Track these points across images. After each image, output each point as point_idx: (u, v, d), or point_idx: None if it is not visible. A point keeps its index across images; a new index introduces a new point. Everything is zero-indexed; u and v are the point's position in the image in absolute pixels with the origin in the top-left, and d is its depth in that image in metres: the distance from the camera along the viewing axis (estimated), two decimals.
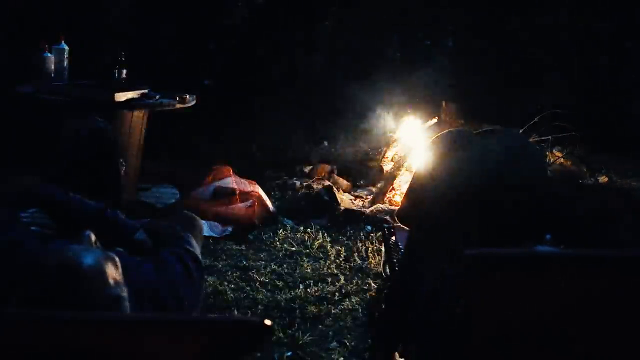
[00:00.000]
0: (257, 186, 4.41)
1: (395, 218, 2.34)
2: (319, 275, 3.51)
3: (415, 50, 5.50)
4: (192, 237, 2.05)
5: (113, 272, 1.34)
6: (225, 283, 3.37)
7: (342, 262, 3.71)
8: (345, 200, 4.57)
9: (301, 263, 3.68)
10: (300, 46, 5.41)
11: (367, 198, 4.77)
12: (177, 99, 4.12)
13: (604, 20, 5.48)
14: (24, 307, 1.25)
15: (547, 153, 4.84)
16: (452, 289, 1.67)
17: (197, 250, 2.00)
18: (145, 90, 4.09)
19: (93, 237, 1.42)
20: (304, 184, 4.79)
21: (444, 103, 5.07)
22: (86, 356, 1.09)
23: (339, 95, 5.23)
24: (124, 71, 4.25)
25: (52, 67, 4.10)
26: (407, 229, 2.16)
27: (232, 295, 3.25)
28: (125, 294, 1.34)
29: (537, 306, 1.40)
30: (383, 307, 2.03)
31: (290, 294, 3.27)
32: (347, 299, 3.24)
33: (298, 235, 4.05)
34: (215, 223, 4.08)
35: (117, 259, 1.38)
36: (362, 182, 5.07)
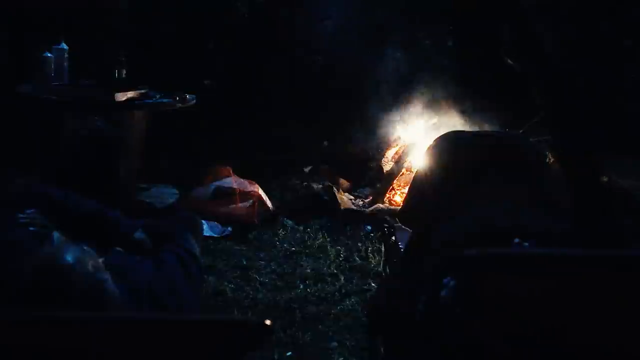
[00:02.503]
0: (257, 186, 4.41)
1: (397, 218, 2.34)
2: (319, 275, 3.51)
3: (415, 50, 5.50)
4: (192, 237, 2.05)
5: (91, 260, 1.37)
6: (225, 283, 3.36)
7: (342, 262, 3.70)
8: (345, 200, 4.57)
9: (301, 263, 3.67)
10: (300, 46, 5.41)
11: (367, 198, 4.77)
12: (177, 99, 4.12)
13: (604, 20, 5.47)
14: (15, 307, 1.26)
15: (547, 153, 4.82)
16: (451, 289, 1.67)
17: (197, 250, 2.01)
18: (145, 90, 4.09)
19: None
20: (304, 184, 4.79)
21: (443, 103, 5.06)
22: (85, 356, 1.09)
23: (339, 95, 5.22)
24: (124, 71, 4.25)
25: (52, 67, 4.10)
26: (407, 229, 2.16)
27: (232, 295, 3.25)
28: (107, 276, 1.38)
29: (537, 306, 1.39)
30: (380, 303, 2.03)
31: (290, 294, 3.26)
32: (347, 299, 3.24)
33: (298, 235, 4.05)
34: (215, 223, 4.08)
35: (90, 250, 1.43)
36: (362, 182, 5.07)
